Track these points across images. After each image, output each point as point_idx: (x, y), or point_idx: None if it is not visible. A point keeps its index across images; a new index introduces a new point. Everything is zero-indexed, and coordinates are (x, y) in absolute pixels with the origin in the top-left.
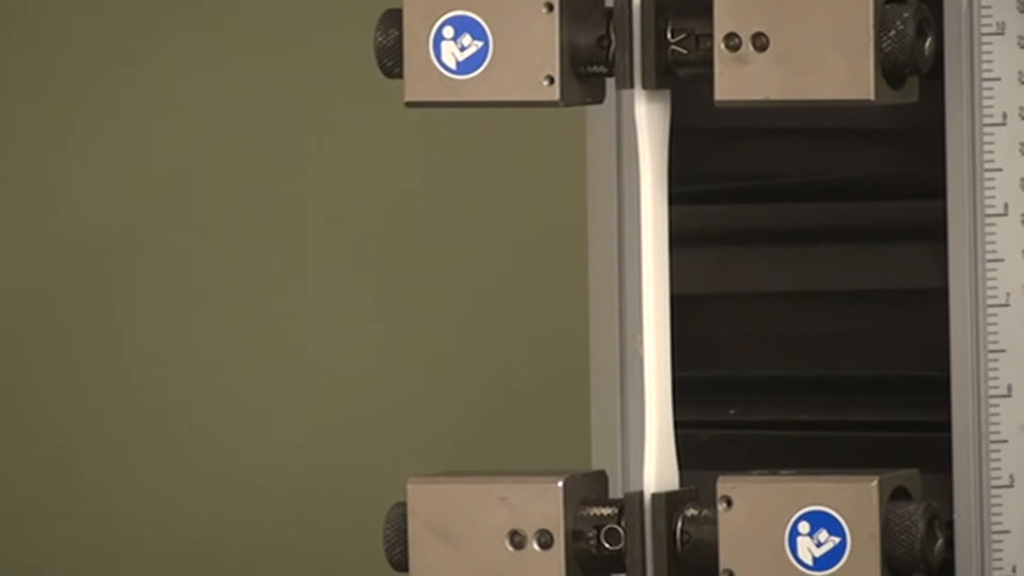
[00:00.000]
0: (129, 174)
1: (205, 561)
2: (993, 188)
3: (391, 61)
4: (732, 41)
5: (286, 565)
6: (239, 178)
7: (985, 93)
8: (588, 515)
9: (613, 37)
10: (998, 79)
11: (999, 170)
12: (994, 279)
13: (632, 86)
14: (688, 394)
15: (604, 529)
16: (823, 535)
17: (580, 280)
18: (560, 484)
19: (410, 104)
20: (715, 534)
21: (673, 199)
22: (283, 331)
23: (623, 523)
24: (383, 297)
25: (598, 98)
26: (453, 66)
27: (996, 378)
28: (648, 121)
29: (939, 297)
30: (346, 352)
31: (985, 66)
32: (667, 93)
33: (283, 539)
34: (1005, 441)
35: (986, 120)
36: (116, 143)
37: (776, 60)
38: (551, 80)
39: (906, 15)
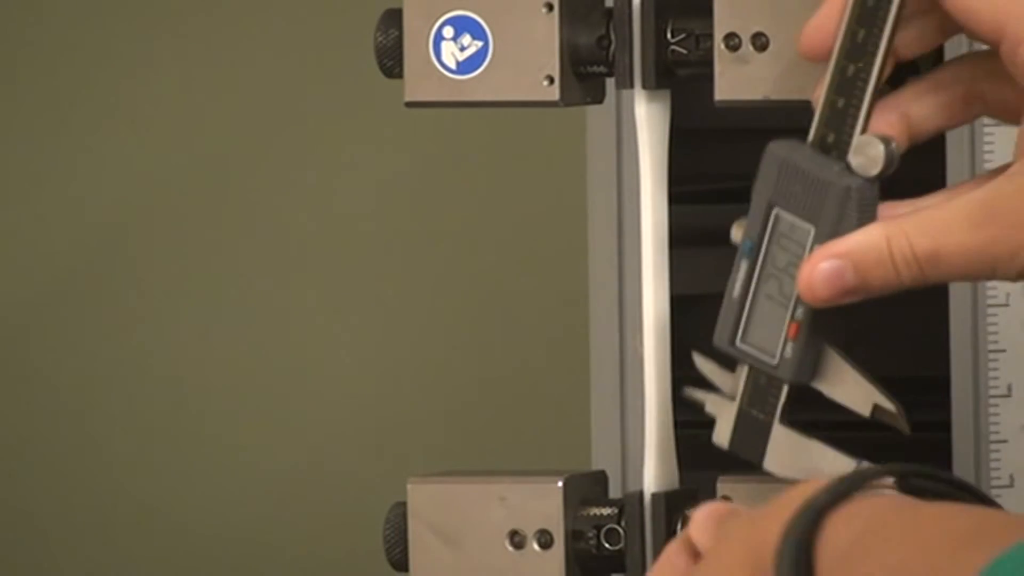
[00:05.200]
0: (135, 171)
1: (204, 560)
2: None
3: (391, 61)
4: (732, 41)
5: (286, 564)
6: (240, 177)
7: None
8: (588, 515)
9: (613, 37)
10: None
11: None
12: None
13: (632, 86)
14: None
15: (604, 529)
16: None
17: (580, 280)
18: (560, 484)
19: (410, 104)
20: None
21: (673, 199)
22: (283, 330)
23: (623, 523)
24: (383, 297)
25: (598, 98)
26: (453, 66)
27: (996, 378)
28: (648, 121)
29: (939, 297)
30: (346, 352)
31: None
32: (667, 93)
33: (283, 538)
34: (1005, 441)
35: (986, 120)
36: (123, 142)
37: (776, 60)
38: (551, 80)
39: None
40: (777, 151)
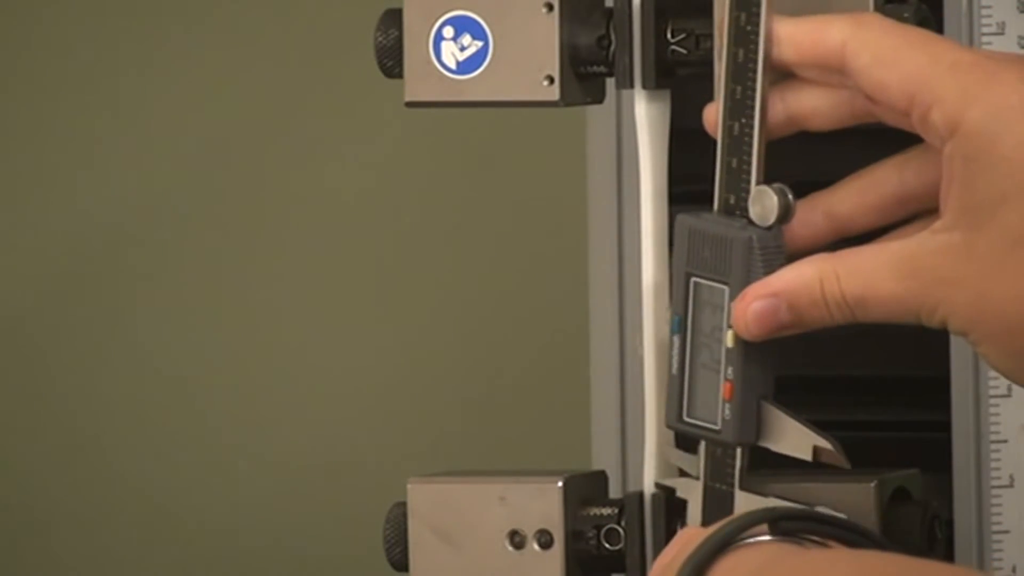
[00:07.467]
0: (136, 172)
1: (205, 560)
2: None
3: (391, 61)
4: None
5: (286, 564)
6: (241, 177)
7: None
8: (588, 515)
9: (613, 37)
10: None
11: None
12: None
13: (632, 86)
14: None
15: (604, 529)
16: None
17: (580, 280)
18: (560, 484)
19: (410, 104)
20: None
21: (673, 199)
22: (283, 330)
23: (623, 523)
24: (383, 297)
25: (598, 98)
26: (453, 66)
27: (996, 378)
28: (648, 121)
29: None
30: (346, 352)
31: None
32: (667, 93)
33: (283, 538)
34: (1005, 441)
35: None
36: (124, 143)
37: None
38: (551, 80)
39: (906, 15)
40: (685, 221)
